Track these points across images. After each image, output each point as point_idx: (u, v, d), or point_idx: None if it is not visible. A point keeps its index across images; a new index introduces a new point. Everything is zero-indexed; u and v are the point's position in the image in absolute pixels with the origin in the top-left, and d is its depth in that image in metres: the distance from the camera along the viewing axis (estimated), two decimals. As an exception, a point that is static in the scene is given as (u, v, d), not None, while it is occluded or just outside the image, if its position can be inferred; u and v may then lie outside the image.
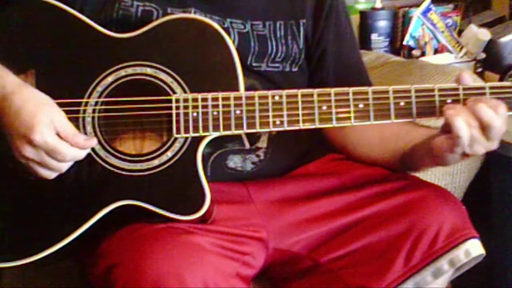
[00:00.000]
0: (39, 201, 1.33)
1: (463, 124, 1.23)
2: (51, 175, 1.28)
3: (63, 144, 1.25)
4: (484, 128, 1.24)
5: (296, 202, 1.43)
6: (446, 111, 1.26)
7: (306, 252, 1.41)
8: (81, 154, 1.29)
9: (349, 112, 1.30)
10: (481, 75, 2.22)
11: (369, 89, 1.30)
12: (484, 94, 1.28)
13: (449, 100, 1.28)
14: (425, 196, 1.38)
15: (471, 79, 1.29)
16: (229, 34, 1.37)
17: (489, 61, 2.30)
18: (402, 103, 1.29)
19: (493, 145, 1.28)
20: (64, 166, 1.28)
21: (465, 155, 1.28)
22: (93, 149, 1.31)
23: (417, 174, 1.58)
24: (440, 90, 1.29)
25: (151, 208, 1.29)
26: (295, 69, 1.52)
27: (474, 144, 1.25)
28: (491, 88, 1.29)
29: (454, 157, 1.29)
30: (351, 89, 1.30)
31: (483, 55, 2.31)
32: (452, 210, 1.36)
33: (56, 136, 1.25)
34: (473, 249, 1.35)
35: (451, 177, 1.83)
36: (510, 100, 1.28)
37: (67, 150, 1.25)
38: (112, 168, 1.31)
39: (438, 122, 1.33)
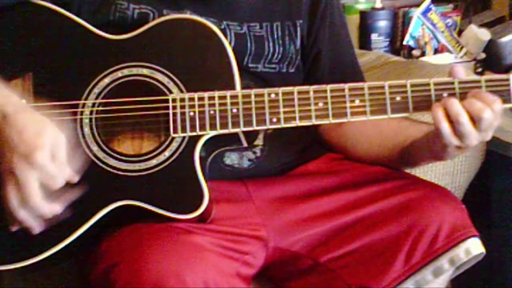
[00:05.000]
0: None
1: (440, 116, 1.24)
2: (18, 211, 1.22)
3: (58, 171, 1.22)
4: (474, 120, 1.24)
5: (296, 201, 1.43)
6: (434, 103, 1.27)
7: (306, 251, 1.41)
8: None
9: (345, 108, 1.30)
10: (481, 75, 2.22)
11: (365, 85, 1.31)
12: (479, 87, 1.28)
13: (445, 94, 1.28)
14: (425, 195, 1.38)
15: (463, 72, 1.30)
16: (225, 35, 1.37)
17: (489, 61, 2.31)
18: (398, 98, 1.30)
19: (487, 137, 1.28)
20: (41, 207, 1.23)
21: (458, 147, 1.28)
22: (91, 151, 1.31)
23: (417, 174, 1.58)
24: (435, 84, 1.29)
25: (150, 208, 1.29)
26: (292, 70, 1.52)
27: (465, 137, 1.25)
28: (486, 81, 1.29)
29: (448, 150, 1.29)
30: (346, 85, 1.30)
31: (483, 55, 2.32)
32: (452, 209, 1.36)
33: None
34: (473, 247, 1.35)
35: (451, 177, 1.83)
36: (506, 93, 1.28)
37: (59, 177, 1.22)
38: (110, 169, 1.31)
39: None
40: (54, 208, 1.25)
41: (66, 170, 1.24)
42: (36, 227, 1.27)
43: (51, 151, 1.21)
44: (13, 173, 1.21)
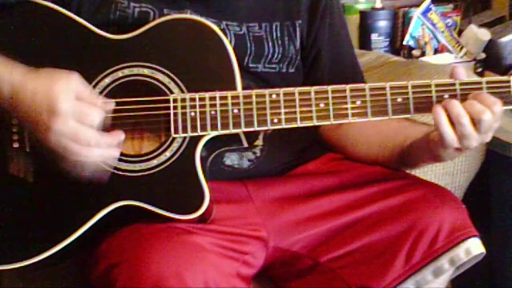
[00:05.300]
0: (39, 203, 1.33)
1: (441, 117, 1.25)
2: (82, 151, 1.21)
3: (88, 106, 1.21)
4: (475, 122, 1.24)
5: (296, 201, 1.43)
6: (435, 104, 1.27)
7: (306, 251, 1.41)
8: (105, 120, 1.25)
9: (346, 109, 1.30)
10: (481, 75, 2.22)
11: (366, 86, 1.31)
12: (480, 88, 1.28)
13: (446, 95, 1.28)
14: (425, 195, 1.38)
15: (464, 74, 1.30)
16: (225, 35, 1.36)
17: (489, 61, 2.30)
18: (399, 99, 1.30)
19: (486, 138, 1.28)
20: (94, 138, 1.21)
21: (458, 149, 1.28)
22: None
23: (417, 174, 1.58)
24: (436, 85, 1.29)
25: (150, 208, 1.29)
26: (291, 70, 1.52)
27: (466, 139, 1.26)
28: (487, 82, 1.29)
29: (448, 151, 1.29)
30: (348, 86, 1.30)
31: (483, 55, 2.31)
32: (452, 209, 1.36)
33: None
34: (473, 247, 1.35)
35: (451, 177, 1.82)
36: (506, 94, 1.28)
37: (93, 111, 1.21)
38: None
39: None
40: (115, 136, 1.25)
41: (95, 99, 1.23)
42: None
43: (72, 92, 1.20)
44: (56, 130, 1.19)
